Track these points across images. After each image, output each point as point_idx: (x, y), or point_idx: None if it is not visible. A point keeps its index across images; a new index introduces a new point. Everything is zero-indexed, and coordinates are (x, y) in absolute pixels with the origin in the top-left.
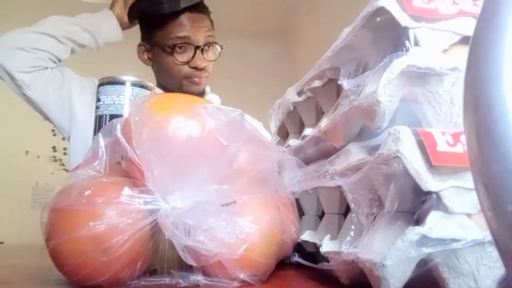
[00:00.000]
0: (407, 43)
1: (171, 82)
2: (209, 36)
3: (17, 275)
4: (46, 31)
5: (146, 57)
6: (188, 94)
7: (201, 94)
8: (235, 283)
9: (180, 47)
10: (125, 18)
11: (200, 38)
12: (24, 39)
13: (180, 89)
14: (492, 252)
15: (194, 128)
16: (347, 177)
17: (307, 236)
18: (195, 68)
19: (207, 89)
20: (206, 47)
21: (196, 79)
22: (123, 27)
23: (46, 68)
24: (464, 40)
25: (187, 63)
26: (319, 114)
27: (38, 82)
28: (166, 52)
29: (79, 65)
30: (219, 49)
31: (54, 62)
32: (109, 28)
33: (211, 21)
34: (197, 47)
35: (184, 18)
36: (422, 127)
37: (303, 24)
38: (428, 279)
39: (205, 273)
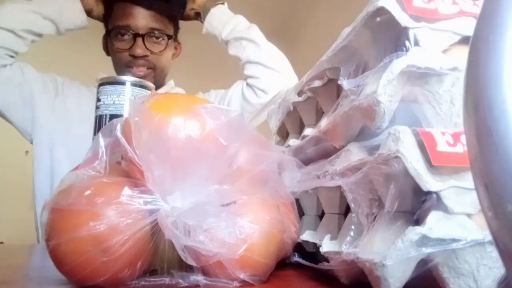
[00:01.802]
0: (407, 43)
1: (118, 71)
2: (153, 26)
3: (17, 275)
4: (2, 24)
5: (106, 51)
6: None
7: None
8: (235, 283)
9: (120, 34)
10: (94, 4)
11: (141, 25)
12: None
13: None
14: (492, 252)
15: (194, 128)
16: (347, 177)
17: (307, 236)
18: (133, 56)
19: (171, 82)
20: (149, 37)
21: (136, 70)
22: (95, 13)
23: (5, 65)
24: (464, 40)
25: (127, 50)
26: (319, 114)
27: None
28: (110, 39)
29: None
30: (165, 40)
31: (12, 57)
32: (72, 14)
33: (172, 19)
34: (136, 35)
35: (129, 6)
36: (422, 127)
37: (303, 24)
38: (428, 279)
39: (205, 273)
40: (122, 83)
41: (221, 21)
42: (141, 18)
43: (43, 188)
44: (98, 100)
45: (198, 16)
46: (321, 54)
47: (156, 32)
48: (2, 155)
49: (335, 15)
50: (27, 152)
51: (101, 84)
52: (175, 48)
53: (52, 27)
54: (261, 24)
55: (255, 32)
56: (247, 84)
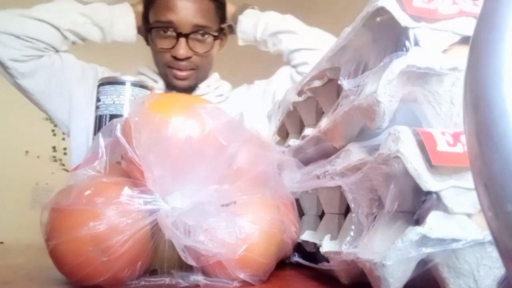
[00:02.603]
0: (407, 43)
1: (159, 71)
2: (199, 22)
3: (17, 275)
4: (50, 20)
5: (147, 41)
6: (174, 87)
7: (190, 90)
8: (235, 283)
9: (163, 31)
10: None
11: (185, 22)
12: (21, 25)
13: (166, 80)
14: (492, 252)
15: (193, 128)
16: (347, 177)
17: (307, 236)
18: (175, 58)
19: (215, 75)
20: (193, 35)
21: (177, 72)
22: (140, 31)
23: (42, 56)
24: (464, 40)
25: (169, 50)
26: (319, 114)
27: (34, 71)
28: (151, 35)
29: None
30: (211, 39)
31: (49, 51)
32: (124, 27)
33: (219, 3)
34: (179, 34)
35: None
36: (422, 127)
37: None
38: (428, 279)
39: (205, 273)
40: (122, 83)
41: (252, 24)
42: (186, 13)
43: None
44: (98, 100)
45: (231, 28)
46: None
47: (201, 31)
48: (2, 155)
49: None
50: (27, 152)
51: (101, 84)
52: (221, 39)
53: (99, 34)
54: None
55: (289, 22)
56: (297, 71)
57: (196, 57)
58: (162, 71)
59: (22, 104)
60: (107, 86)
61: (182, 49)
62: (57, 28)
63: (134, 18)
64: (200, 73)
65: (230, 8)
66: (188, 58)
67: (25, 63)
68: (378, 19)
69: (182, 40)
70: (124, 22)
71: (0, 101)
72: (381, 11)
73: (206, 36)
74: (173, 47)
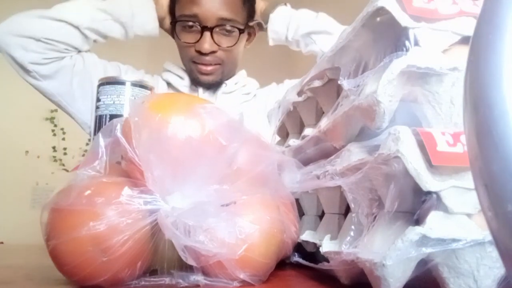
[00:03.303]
0: (407, 43)
1: (184, 64)
2: (224, 15)
3: (17, 275)
4: (68, 19)
5: (173, 36)
6: (200, 82)
7: (215, 85)
8: (235, 283)
9: (188, 26)
10: (167, 14)
11: (210, 15)
12: (40, 27)
13: (191, 76)
14: (492, 252)
15: (193, 128)
16: (347, 177)
17: (307, 236)
18: (200, 52)
19: (243, 72)
20: (218, 29)
21: (202, 67)
22: (166, 24)
23: (64, 57)
24: (464, 40)
25: (193, 45)
26: (319, 114)
27: (56, 72)
28: (176, 31)
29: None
30: (237, 33)
31: (71, 52)
32: (145, 19)
33: (246, 1)
34: (204, 28)
35: None
36: (422, 127)
37: None
38: (428, 279)
39: (205, 273)
40: (122, 83)
41: (284, 23)
42: (210, 6)
43: None
44: (98, 100)
45: (261, 26)
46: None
47: (226, 24)
48: (2, 155)
49: (335, 15)
50: (27, 152)
51: (101, 84)
52: (249, 34)
53: (121, 30)
54: None
55: (323, 21)
56: None
57: (222, 51)
58: (187, 67)
59: (22, 104)
60: (107, 86)
61: (206, 43)
62: (77, 27)
63: (155, 9)
64: (226, 68)
65: (260, 4)
66: (213, 52)
67: (47, 65)
68: (378, 19)
69: (207, 34)
70: (145, 14)
71: (0, 101)
72: (381, 11)
73: (232, 29)
74: (198, 41)
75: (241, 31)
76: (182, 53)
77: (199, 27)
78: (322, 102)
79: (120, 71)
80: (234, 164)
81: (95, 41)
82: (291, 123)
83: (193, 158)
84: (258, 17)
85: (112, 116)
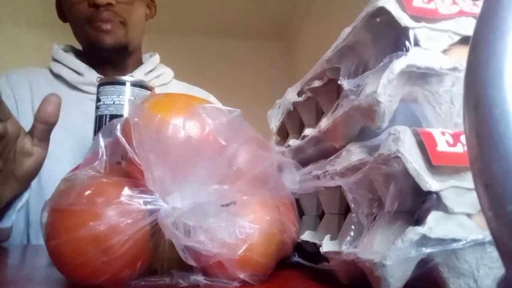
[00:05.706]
0: (407, 43)
1: (78, 35)
2: None
3: (17, 275)
4: None
5: (60, 13)
6: (100, 48)
7: (121, 50)
8: (235, 283)
9: None
10: None
11: None
12: None
13: (90, 43)
14: (492, 252)
15: (193, 129)
16: (347, 177)
17: (307, 236)
18: (94, 5)
19: (155, 59)
20: None
21: (101, 24)
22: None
23: None
24: (464, 40)
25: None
26: (319, 114)
27: None
28: (65, 2)
29: None
30: None
31: None
32: None
33: None
34: None
35: None
36: (422, 127)
37: (303, 24)
38: (428, 279)
39: (205, 273)
40: (122, 83)
41: None
42: None
43: None
44: (98, 100)
45: None
46: (321, 54)
47: None
48: None
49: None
50: None
51: (101, 84)
52: (148, 7)
53: None
54: (260, 24)
55: None
56: None
57: (120, 6)
58: (81, 35)
59: None
60: (107, 86)
61: None
62: None
63: None
64: (129, 30)
65: None
66: (110, 4)
67: None
68: (378, 19)
69: None
70: None
71: None
72: (381, 11)
73: None
74: None
75: None
76: (74, 18)
77: None
78: (322, 102)
79: (5, 82)
80: (234, 164)
81: None
82: (291, 123)
83: (193, 158)
84: None
85: (112, 116)
